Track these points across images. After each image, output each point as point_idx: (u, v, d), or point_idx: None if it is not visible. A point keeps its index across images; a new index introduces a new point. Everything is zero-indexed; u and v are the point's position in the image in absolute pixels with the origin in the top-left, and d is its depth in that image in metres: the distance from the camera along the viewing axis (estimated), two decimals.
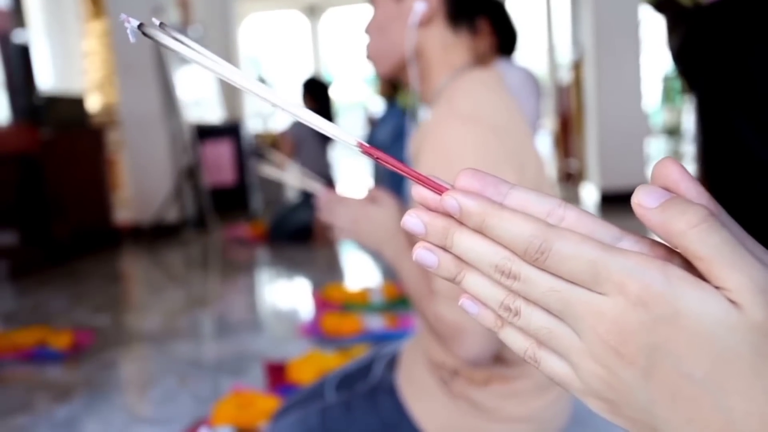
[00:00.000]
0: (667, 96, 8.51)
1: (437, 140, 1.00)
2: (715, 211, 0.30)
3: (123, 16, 0.33)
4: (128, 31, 0.33)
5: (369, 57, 1.17)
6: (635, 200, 0.31)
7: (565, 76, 7.80)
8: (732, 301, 0.28)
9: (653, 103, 7.40)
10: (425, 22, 1.09)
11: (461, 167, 1.11)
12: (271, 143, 7.39)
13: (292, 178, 1.24)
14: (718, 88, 1.21)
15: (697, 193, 0.31)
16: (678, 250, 0.30)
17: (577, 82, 6.86)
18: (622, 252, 0.30)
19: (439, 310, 0.98)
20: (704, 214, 0.29)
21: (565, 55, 8.03)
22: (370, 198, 1.09)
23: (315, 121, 0.35)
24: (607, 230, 0.32)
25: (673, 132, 8.35)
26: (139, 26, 0.33)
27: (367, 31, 1.16)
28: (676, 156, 8.24)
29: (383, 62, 1.15)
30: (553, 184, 1.16)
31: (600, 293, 0.30)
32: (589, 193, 6.34)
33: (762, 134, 1.13)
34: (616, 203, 5.67)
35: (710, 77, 1.23)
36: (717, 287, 0.28)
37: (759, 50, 1.13)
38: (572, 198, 6.75)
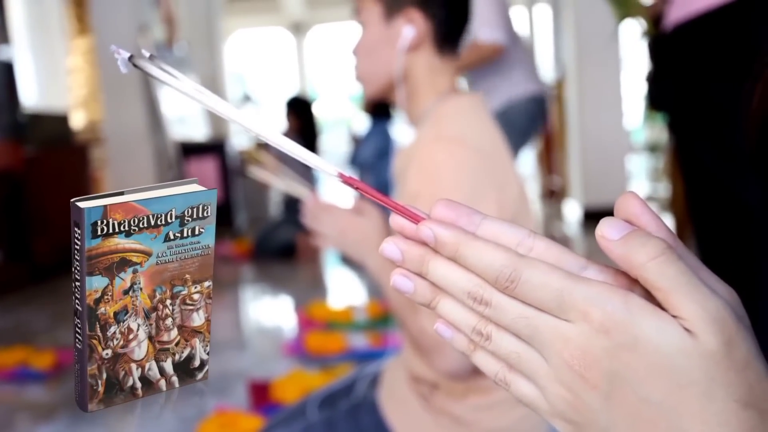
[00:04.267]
0: (649, 113, 8.60)
1: (423, 161, 1.03)
2: (673, 243, 0.32)
3: (113, 47, 0.34)
4: (119, 62, 0.34)
5: (358, 78, 1.19)
6: (599, 232, 0.32)
7: (548, 93, 7.87)
8: (687, 330, 0.29)
9: (635, 120, 7.48)
10: (414, 47, 1.11)
11: (446, 187, 1.10)
12: (254, 157, 7.37)
13: (282, 182, 1.23)
14: (682, 114, 1.24)
15: (656, 226, 0.32)
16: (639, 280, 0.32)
17: (560, 99, 6.93)
18: (587, 281, 0.32)
19: (422, 323, 0.99)
20: (663, 247, 0.30)
21: (547, 73, 8.11)
22: (356, 209, 1.09)
23: (296, 150, 0.36)
24: (573, 260, 0.34)
25: (654, 149, 8.42)
26: (130, 58, 0.34)
27: (356, 52, 1.18)
28: (657, 173, 8.32)
29: (371, 84, 1.17)
30: (533, 204, 1.19)
31: (566, 320, 0.32)
32: (572, 210, 6.38)
33: (723, 160, 1.15)
34: (598, 220, 5.68)
35: (676, 103, 1.26)
36: (674, 316, 0.30)
37: (719, 78, 1.15)
38: (555, 215, 6.79)
